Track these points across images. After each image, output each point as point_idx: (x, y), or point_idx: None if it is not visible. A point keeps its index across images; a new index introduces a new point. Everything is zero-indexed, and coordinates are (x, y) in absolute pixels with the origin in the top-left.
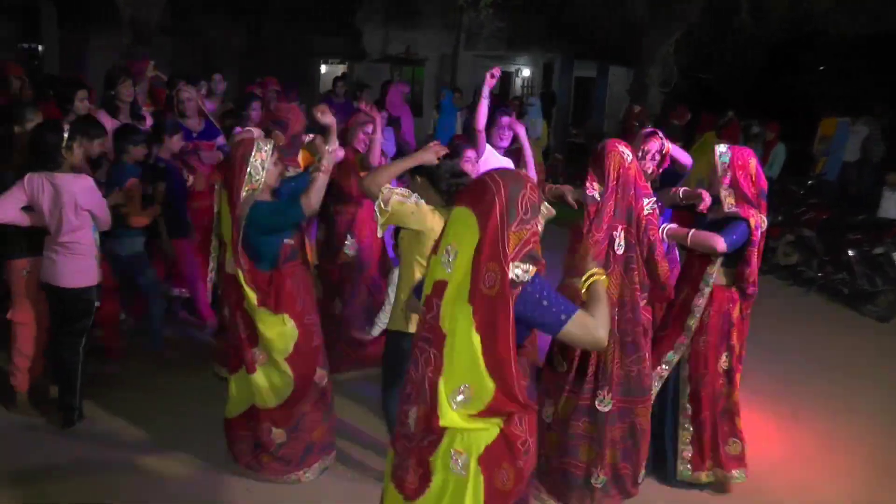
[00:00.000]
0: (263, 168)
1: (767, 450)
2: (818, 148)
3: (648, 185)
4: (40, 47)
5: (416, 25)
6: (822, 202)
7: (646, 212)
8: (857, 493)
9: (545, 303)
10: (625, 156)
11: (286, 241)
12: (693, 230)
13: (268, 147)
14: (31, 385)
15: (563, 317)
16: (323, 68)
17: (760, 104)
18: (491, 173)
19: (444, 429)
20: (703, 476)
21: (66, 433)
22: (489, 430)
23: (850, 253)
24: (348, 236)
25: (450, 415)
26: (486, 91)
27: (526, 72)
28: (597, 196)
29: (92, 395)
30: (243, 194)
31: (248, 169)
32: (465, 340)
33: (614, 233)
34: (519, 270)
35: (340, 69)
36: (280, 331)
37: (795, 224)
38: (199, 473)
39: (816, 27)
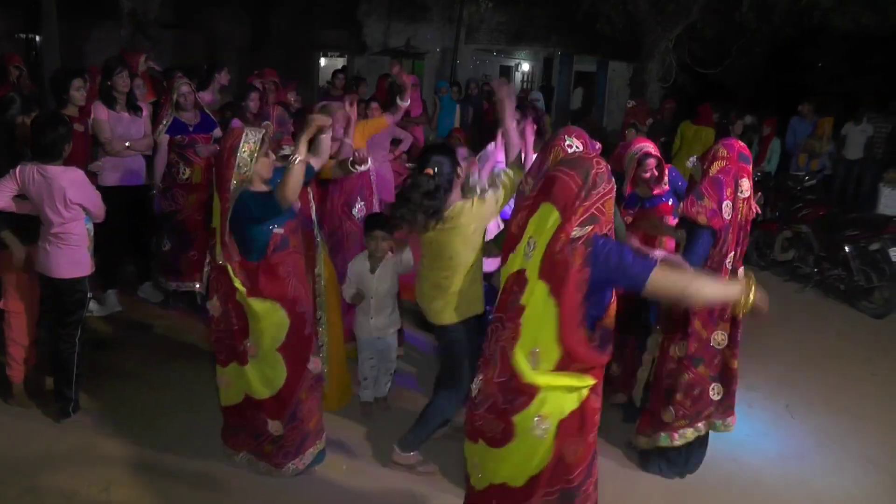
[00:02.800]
0: (252, 159)
1: (763, 445)
2: (826, 148)
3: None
4: (38, 38)
5: (417, 19)
6: (819, 198)
7: None
8: (851, 489)
9: (624, 262)
10: (570, 150)
11: (275, 230)
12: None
13: (256, 138)
14: (26, 376)
15: (644, 274)
16: (322, 61)
17: (764, 100)
18: (559, 168)
19: (534, 391)
20: (643, 441)
21: (62, 424)
22: (571, 398)
23: (847, 249)
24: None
25: (530, 374)
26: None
27: (526, 66)
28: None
29: (88, 387)
30: (232, 185)
31: (237, 160)
32: (538, 310)
33: None
34: (576, 231)
35: (340, 62)
36: (272, 320)
37: (792, 220)
38: (194, 465)
39: (820, 24)
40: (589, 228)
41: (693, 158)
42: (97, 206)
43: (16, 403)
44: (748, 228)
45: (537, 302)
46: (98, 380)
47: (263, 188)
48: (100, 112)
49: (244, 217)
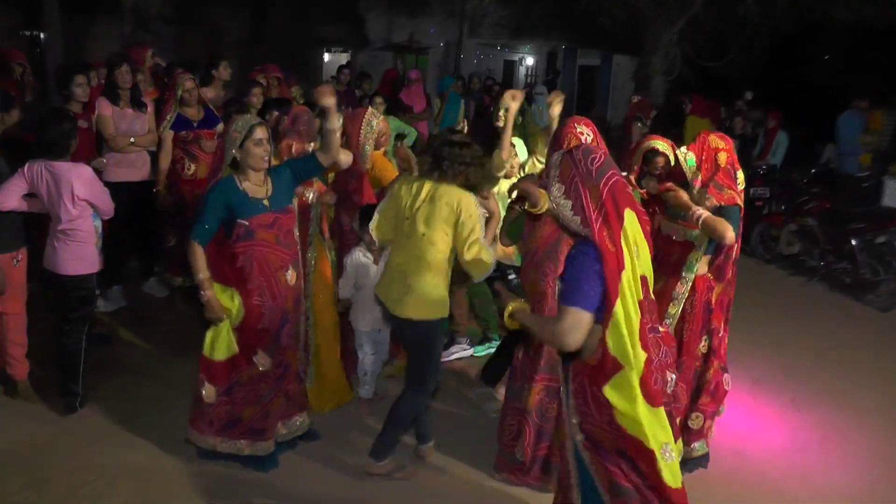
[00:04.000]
0: (234, 146)
1: (767, 438)
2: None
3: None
4: (42, 35)
5: (419, 13)
6: (825, 191)
7: None
8: (855, 482)
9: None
10: (583, 137)
11: (239, 220)
12: (706, 213)
13: (243, 127)
14: (29, 371)
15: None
16: (326, 56)
17: (767, 93)
18: (613, 174)
19: None
20: None
21: (68, 418)
22: None
23: (853, 242)
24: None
25: None
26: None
27: (529, 60)
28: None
29: (94, 382)
30: (220, 169)
31: (226, 144)
32: None
33: None
34: None
35: (343, 58)
36: (229, 304)
37: (798, 213)
38: (199, 459)
39: (823, 17)
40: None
41: (683, 149)
42: (106, 202)
43: (22, 398)
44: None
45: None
46: (104, 374)
47: (254, 177)
48: (104, 108)
49: (208, 198)
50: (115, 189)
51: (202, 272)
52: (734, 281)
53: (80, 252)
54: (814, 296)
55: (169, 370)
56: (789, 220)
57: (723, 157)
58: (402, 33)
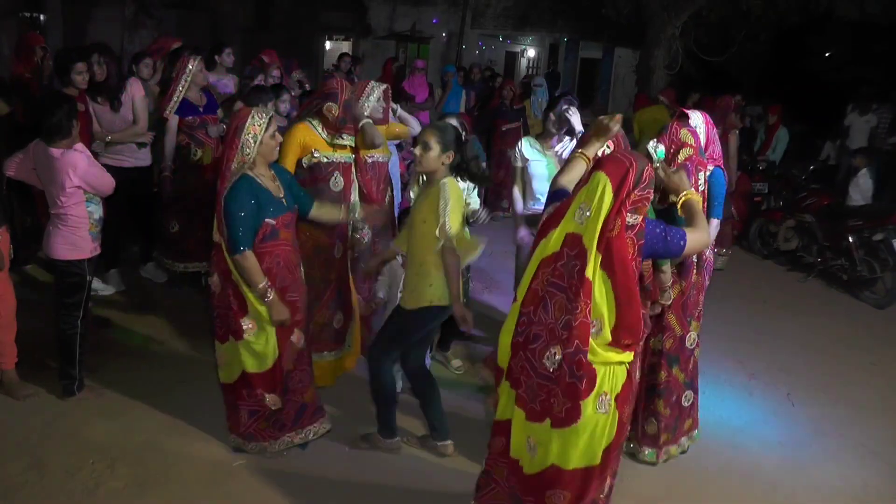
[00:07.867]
0: (256, 141)
1: (762, 432)
2: None
3: None
4: (42, 17)
5: (422, 2)
6: (823, 188)
7: None
8: (849, 476)
9: (667, 238)
10: (691, 140)
11: (267, 219)
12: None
13: (262, 120)
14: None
15: (681, 242)
16: (327, 44)
17: (769, 88)
18: (624, 153)
19: (594, 371)
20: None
21: (67, 402)
22: (621, 372)
23: (850, 239)
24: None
25: (593, 346)
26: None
27: (531, 52)
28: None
29: (93, 365)
30: (233, 166)
31: (240, 141)
32: (599, 283)
33: None
34: (630, 218)
35: (345, 45)
36: (260, 308)
37: (796, 209)
38: (197, 443)
39: (827, 13)
40: (640, 218)
41: (653, 142)
42: (103, 182)
43: (7, 391)
44: None
45: (598, 277)
46: (102, 358)
47: (266, 172)
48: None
49: (238, 202)
50: (113, 174)
51: (262, 278)
52: (701, 286)
53: (70, 237)
54: (811, 292)
55: (167, 354)
56: (788, 216)
57: (683, 154)
58: (405, 22)
